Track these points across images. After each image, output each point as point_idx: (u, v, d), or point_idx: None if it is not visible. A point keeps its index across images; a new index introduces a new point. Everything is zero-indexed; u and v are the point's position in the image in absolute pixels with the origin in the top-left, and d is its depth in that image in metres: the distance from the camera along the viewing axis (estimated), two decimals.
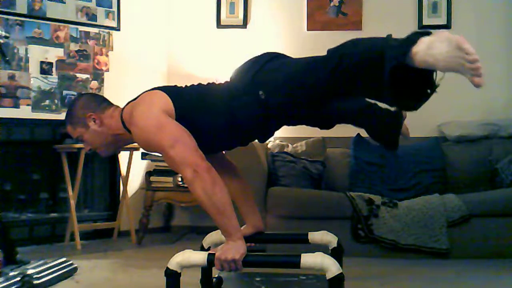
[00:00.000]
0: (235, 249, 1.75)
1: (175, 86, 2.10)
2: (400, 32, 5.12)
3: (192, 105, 1.99)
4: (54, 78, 4.21)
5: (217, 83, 2.15)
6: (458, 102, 4.57)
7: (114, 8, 4.54)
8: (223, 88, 2.05)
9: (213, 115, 1.98)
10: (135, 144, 4.50)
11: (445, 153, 4.25)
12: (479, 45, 4.60)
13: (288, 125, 2.24)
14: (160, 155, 1.99)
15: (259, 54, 2.06)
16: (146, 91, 2.08)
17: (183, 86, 2.12)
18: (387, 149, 2.22)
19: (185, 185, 4.21)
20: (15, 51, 4.03)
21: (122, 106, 2.12)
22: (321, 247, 2.02)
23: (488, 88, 4.55)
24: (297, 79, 1.86)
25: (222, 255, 1.75)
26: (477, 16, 4.62)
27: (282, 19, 4.82)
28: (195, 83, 2.14)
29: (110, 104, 2.15)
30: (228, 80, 2.09)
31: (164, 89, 2.04)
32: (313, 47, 4.74)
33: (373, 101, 2.23)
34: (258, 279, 2.26)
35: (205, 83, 2.14)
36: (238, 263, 1.75)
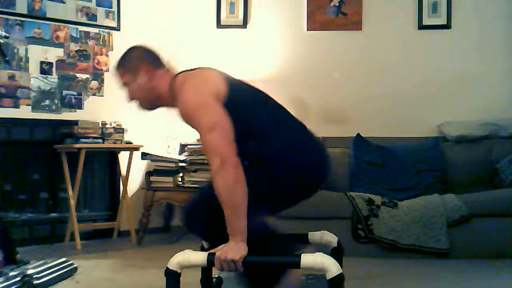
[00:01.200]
0: (236, 250, 1.75)
1: (235, 78, 2.09)
2: (400, 32, 5.13)
3: (243, 101, 1.98)
4: (54, 78, 4.21)
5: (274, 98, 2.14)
6: (458, 102, 4.57)
7: (114, 8, 4.54)
8: (275, 108, 2.07)
9: (255, 121, 1.97)
10: (135, 144, 4.51)
11: (445, 153, 4.25)
12: (479, 45, 4.62)
13: None
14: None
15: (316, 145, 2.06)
16: (205, 67, 2.08)
17: (243, 81, 2.11)
18: None
19: (185, 185, 4.22)
20: (15, 51, 4.03)
21: (176, 72, 2.11)
22: (321, 247, 2.01)
23: (488, 88, 4.58)
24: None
25: (222, 255, 1.75)
26: (477, 16, 4.62)
27: (282, 19, 4.82)
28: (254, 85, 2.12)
29: (163, 64, 2.14)
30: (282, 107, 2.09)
31: (223, 73, 2.04)
32: (313, 47, 4.78)
33: None
34: None
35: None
36: (238, 264, 1.75)
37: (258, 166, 1.91)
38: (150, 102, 2.13)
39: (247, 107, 1.99)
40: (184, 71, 2.09)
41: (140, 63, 2.09)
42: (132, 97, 2.13)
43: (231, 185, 1.76)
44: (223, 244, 1.81)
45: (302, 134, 2.05)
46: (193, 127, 1.95)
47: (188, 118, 1.93)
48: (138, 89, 2.09)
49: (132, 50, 2.17)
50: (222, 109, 1.88)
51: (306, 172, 1.99)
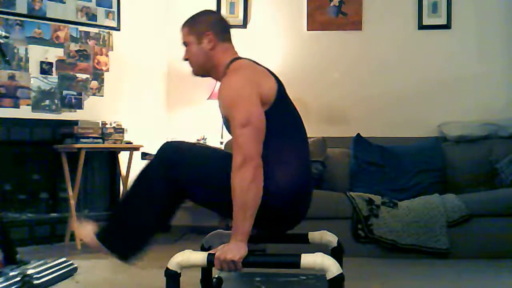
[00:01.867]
0: (235, 250, 1.75)
1: (287, 95, 2.08)
2: (400, 32, 5.14)
3: (281, 121, 1.95)
4: (54, 78, 4.21)
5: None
6: (458, 102, 4.57)
7: (114, 8, 4.54)
8: (301, 144, 2.06)
9: (279, 146, 1.93)
10: (135, 144, 4.50)
11: (445, 153, 4.25)
12: (479, 45, 4.62)
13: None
14: None
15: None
16: (269, 70, 2.04)
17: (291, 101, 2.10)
18: None
19: None
20: (15, 51, 4.03)
21: (235, 56, 2.09)
22: (321, 247, 2.01)
23: (488, 88, 4.58)
24: None
25: (221, 255, 1.75)
26: (477, 16, 4.62)
27: (282, 19, 4.82)
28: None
29: (230, 39, 2.12)
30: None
31: (281, 84, 2.01)
32: (313, 47, 4.78)
33: None
34: (258, 279, 2.26)
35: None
36: (238, 264, 1.74)
37: None
38: (203, 69, 2.11)
39: (281, 128, 1.96)
40: (249, 59, 2.06)
41: (209, 29, 2.07)
42: (187, 58, 2.12)
43: (246, 184, 1.76)
44: (223, 244, 1.81)
45: (307, 182, 2.03)
46: (226, 115, 1.92)
47: (225, 104, 1.90)
48: (197, 53, 2.08)
49: (205, 13, 2.16)
50: (261, 109, 1.86)
51: (284, 216, 1.97)
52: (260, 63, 2.07)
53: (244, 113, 1.83)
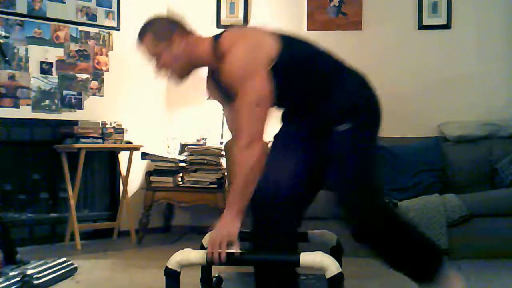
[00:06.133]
0: (230, 224, 1.76)
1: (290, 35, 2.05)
2: (400, 32, 5.10)
3: (295, 64, 1.95)
4: (54, 78, 4.21)
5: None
6: (458, 102, 4.57)
7: (114, 8, 4.54)
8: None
9: (323, 66, 2.03)
10: (135, 144, 4.50)
11: (445, 153, 4.25)
12: (479, 45, 4.61)
13: None
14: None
15: None
16: (256, 29, 1.99)
17: (300, 39, 2.10)
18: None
19: (185, 185, 4.22)
20: (15, 51, 4.03)
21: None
22: (320, 246, 2.01)
23: (488, 88, 4.58)
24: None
25: (217, 231, 1.77)
26: (477, 16, 4.62)
27: (282, 19, 4.81)
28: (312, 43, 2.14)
29: (193, 29, 2.05)
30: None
31: (277, 34, 1.97)
32: None
33: None
34: None
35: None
36: (233, 239, 1.75)
37: (353, 118, 1.94)
38: (187, 68, 2.02)
39: (309, 55, 2.01)
40: (229, 31, 1.98)
41: (173, 29, 1.99)
42: (166, 69, 2.01)
43: (251, 164, 1.79)
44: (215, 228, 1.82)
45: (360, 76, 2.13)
46: (234, 90, 1.87)
47: (233, 81, 1.86)
48: (173, 58, 1.98)
49: (156, 19, 2.07)
50: (270, 83, 1.84)
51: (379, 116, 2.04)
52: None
53: (258, 90, 1.82)
